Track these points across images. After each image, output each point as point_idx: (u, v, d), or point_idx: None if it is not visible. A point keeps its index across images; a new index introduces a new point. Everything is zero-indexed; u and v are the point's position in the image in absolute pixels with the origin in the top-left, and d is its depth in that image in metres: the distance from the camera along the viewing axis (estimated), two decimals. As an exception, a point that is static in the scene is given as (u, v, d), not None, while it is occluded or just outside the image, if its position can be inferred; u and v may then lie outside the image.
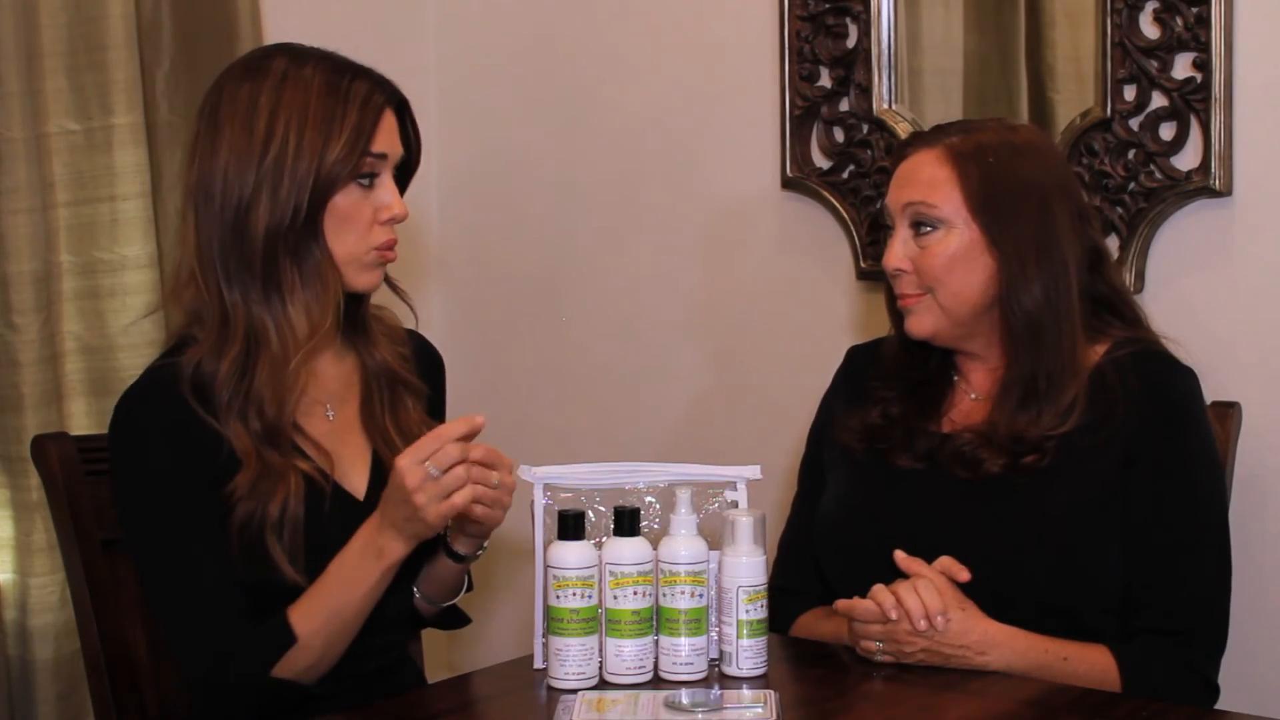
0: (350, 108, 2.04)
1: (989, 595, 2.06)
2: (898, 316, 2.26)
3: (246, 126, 2.03)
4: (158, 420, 2.04)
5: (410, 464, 1.93)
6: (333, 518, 2.06)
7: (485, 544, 2.15)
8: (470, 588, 2.24)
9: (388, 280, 2.18)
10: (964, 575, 2.06)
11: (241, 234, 2.03)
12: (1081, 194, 2.32)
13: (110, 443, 2.09)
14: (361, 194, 2.07)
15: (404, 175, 2.17)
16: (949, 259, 2.17)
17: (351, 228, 2.07)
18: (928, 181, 2.18)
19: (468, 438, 1.94)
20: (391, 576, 2.02)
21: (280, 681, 2.00)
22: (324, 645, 2.02)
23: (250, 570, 2.02)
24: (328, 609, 2.01)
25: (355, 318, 2.16)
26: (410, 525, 1.96)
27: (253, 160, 2.02)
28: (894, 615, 2.02)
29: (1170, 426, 2.14)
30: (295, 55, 2.08)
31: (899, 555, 2.08)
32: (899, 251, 2.20)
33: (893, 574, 2.07)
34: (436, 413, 2.27)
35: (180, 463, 2.03)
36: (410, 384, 2.19)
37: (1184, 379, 2.18)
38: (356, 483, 2.13)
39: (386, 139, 2.08)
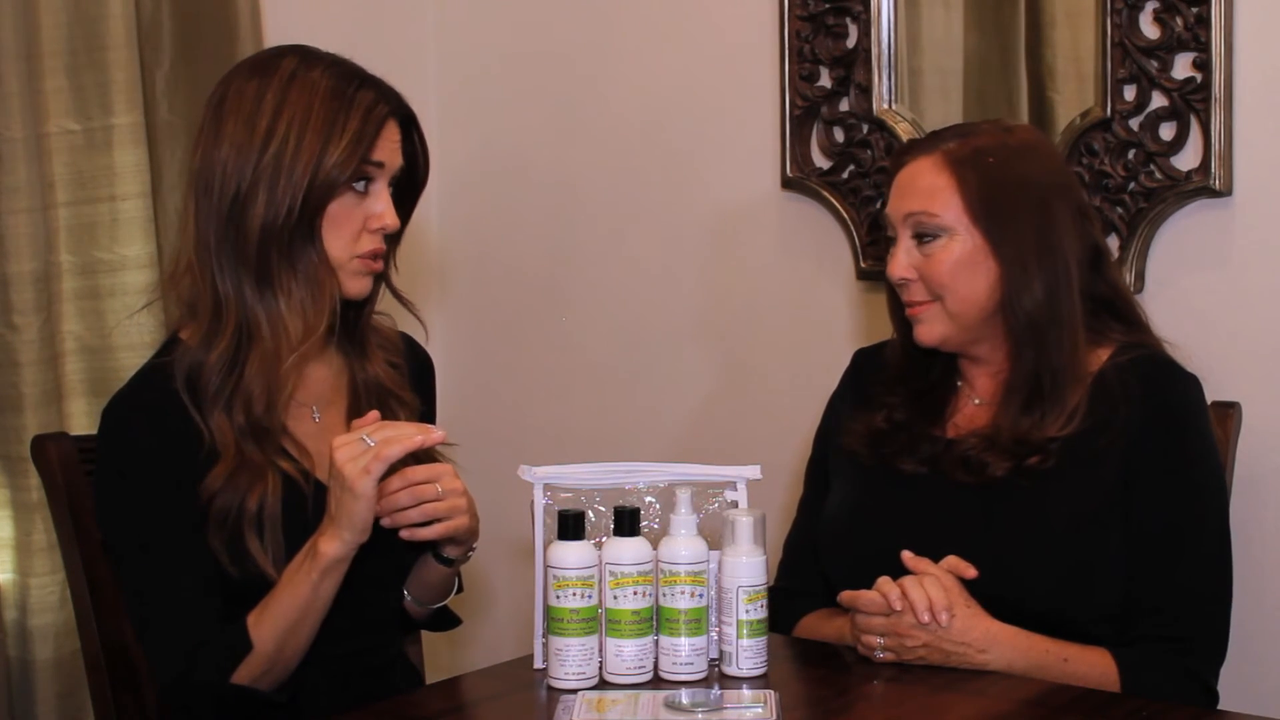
0: (353, 114, 2.05)
1: (992, 599, 2.06)
2: (902, 322, 2.26)
3: (249, 122, 2.04)
4: (144, 425, 2.04)
5: (344, 439, 1.93)
6: (315, 516, 2.05)
7: (475, 546, 2.14)
8: (460, 589, 2.24)
9: (395, 294, 2.19)
10: (970, 572, 2.06)
11: (237, 227, 2.03)
12: (1081, 192, 2.32)
13: (98, 445, 2.09)
14: (355, 200, 2.07)
15: (410, 192, 2.17)
16: (954, 265, 2.16)
17: (341, 233, 2.07)
18: (927, 190, 2.18)
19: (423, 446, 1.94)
20: (337, 578, 1.97)
21: (239, 688, 1.99)
22: (276, 650, 1.99)
23: (235, 567, 2.02)
24: (277, 613, 1.98)
25: (354, 326, 2.16)
26: (342, 509, 1.93)
27: (252, 155, 2.03)
28: (898, 607, 2.02)
29: (1172, 433, 2.14)
30: (306, 57, 2.09)
31: (906, 555, 2.08)
32: (903, 261, 2.20)
33: (897, 578, 2.07)
34: (426, 419, 2.26)
35: (164, 467, 2.02)
36: (402, 399, 2.19)
37: (1187, 386, 2.18)
38: None
39: (386, 149, 2.08)
